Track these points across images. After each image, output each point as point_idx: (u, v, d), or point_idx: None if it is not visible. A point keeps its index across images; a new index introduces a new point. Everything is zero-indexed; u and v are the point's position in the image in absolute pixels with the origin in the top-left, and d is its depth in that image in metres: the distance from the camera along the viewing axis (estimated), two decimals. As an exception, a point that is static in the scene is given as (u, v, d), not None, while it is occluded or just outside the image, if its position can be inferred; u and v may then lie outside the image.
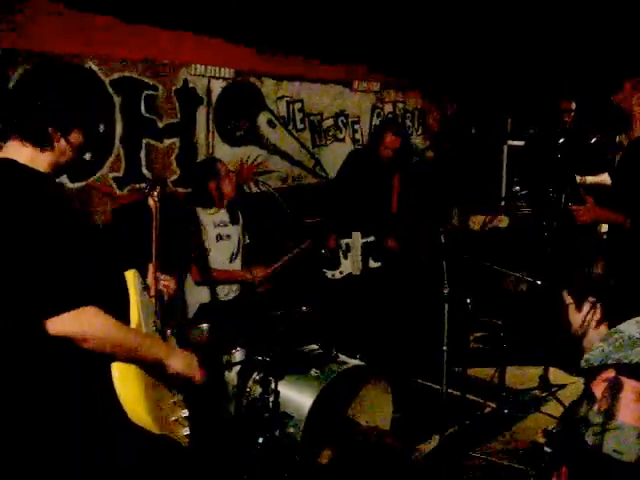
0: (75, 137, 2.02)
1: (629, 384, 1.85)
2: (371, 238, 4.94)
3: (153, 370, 2.05)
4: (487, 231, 4.56)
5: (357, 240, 4.93)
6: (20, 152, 1.96)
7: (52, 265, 1.80)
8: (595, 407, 1.86)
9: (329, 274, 4.99)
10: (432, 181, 6.08)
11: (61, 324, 1.78)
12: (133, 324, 2.03)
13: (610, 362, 1.90)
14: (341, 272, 5.00)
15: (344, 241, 4.99)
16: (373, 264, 5.01)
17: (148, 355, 2.00)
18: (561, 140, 4.37)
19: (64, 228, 1.87)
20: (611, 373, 1.89)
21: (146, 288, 2.23)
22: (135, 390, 1.95)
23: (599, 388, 1.89)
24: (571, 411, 2.01)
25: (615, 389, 1.85)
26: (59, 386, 1.89)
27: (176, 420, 2.13)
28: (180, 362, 2.11)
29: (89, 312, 1.82)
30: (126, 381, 1.93)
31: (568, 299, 2.28)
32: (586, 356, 1.98)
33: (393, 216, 5.15)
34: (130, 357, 1.94)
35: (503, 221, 4.35)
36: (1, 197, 1.85)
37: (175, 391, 2.20)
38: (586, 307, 2.20)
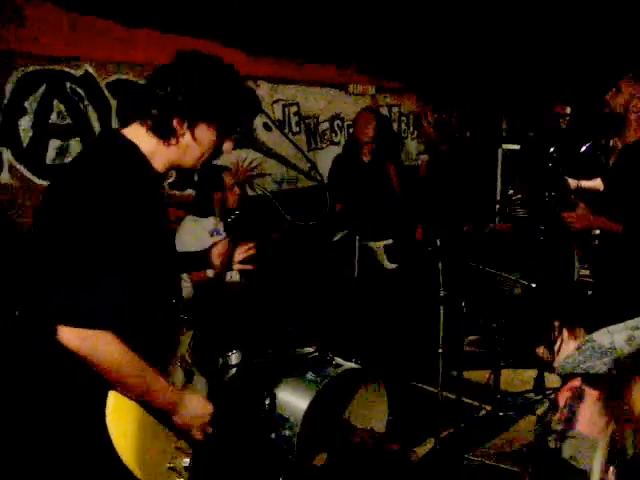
0: (203, 132, 1.82)
1: (591, 395, 1.86)
2: (389, 241, 4.91)
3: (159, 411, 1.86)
4: (484, 234, 4.58)
5: (355, 244, 4.93)
6: (144, 140, 1.81)
7: (85, 275, 1.63)
8: (556, 416, 1.90)
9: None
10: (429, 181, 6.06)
11: (72, 337, 1.63)
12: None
13: (578, 371, 1.89)
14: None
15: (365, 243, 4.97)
16: (389, 265, 4.97)
17: (154, 401, 1.80)
18: (552, 149, 4.37)
19: (120, 240, 1.67)
20: (577, 382, 1.91)
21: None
22: (127, 423, 1.77)
23: (563, 397, 1.92)
24: (545, 413, 2.03)
25: (577, 399, 1.88)
26: (51, 394, 1.75)
27: (172, 469, 1.90)
28: (184, 418, 1.87)
29: (103, 338, 1.65)
30: (120, 410, 1.76)
31: (563, 333, 2.14)
32: (561, 362, 1.97)
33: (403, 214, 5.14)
34: (135, 396, 1.77)
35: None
36: (83, 179, 1.70)
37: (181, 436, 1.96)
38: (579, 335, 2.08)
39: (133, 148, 1.80)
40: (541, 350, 2.17)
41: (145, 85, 1.87)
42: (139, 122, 1.82)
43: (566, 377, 1.97)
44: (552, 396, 2.02)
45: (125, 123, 1.88)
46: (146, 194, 1.77)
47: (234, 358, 3.43)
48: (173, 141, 1.81)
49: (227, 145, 1.91)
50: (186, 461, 1.94)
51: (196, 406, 1.89)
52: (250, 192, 4.90)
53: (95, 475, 1.77)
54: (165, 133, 1.79)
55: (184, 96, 1.77)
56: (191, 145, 1.83)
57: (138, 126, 1.82)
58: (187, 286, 3.97)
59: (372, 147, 4.98)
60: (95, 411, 1.72)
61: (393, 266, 4.94)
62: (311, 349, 3.54)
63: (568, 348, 2.07)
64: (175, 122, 1.78)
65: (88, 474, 1.77)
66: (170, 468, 1.89)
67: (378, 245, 4.93)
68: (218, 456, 2.41)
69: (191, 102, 1.78)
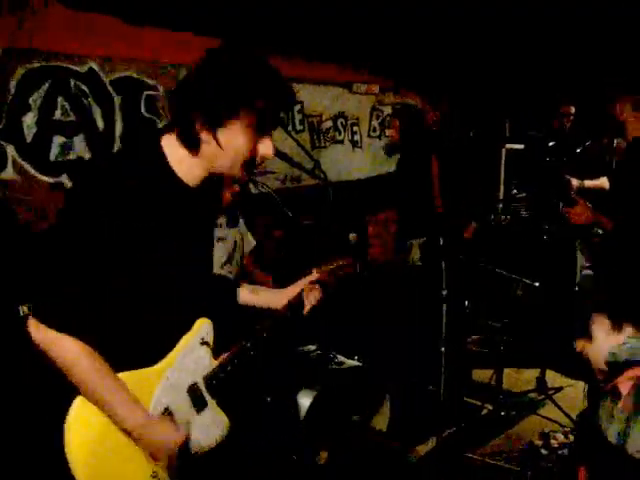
0: (226, 136, 1.63)
1: None
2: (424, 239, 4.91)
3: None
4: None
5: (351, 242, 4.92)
6: (173, 149, 1.69)
7: (65, 277, 1.58)
8: (620, 404, 1.82)
9: None
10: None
11: (34, 331, 1.59)
12: (152, 371, 1.75)
13: (637, 359, 1.87)
14: None
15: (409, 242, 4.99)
16: (417, 262, 4.95)
17: (115, 418, 1.65)
18: (551, 144, 4.39)
19: (115, 250, 1.59)
20: (638, 371, 1.86)
21: (206, 344, 1.88)
22: (92, 436, 1.63)
23: (625, 386, 1.85)
24: (591, 410, 1.96)
25: None
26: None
27: None
28: (148, 445, 1.70)
29: (66, 341, 1.59)
30: (87, 421, 1.63)
31: (603, 322, 2.04)
32: (612, 351, 1.92)
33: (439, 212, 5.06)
34: (95, 404, 1.63)
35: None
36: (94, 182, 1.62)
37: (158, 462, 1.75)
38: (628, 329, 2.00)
39: (157, 157, 1.69)
40: (581, 344, 2.09)
41: (174, 90, 1.72)
42: (171, 130, 1.71)
43: (616, 366, 1.91)
44: (607, 388, 1.92)
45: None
46: (159, 205, 1.65)
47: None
48: (199, 150, 1.66)
49: (265, 146, 1.71)
50: None
51: (163, 435, 1.70)
52: (253, 190, 4.90)
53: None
54: (189, 142, 1.66)
55: (201, 100, 1.61)
56: (218, 152, 1.65)
57: (171, 134, 1.70)
58: None
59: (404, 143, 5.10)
60: (54, 413, 1.64)
61: (419, 263, 4.91)
62: (314, 347, 3.55)
63: (609, 340, 2.01)
64: (198, 129, 1.63)
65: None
66: None
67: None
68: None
69: (207, 106, 1.61)
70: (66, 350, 1.59)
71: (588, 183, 4.22)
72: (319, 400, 3.12)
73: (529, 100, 6.63)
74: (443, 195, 5.01)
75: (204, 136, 1.64)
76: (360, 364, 3.51)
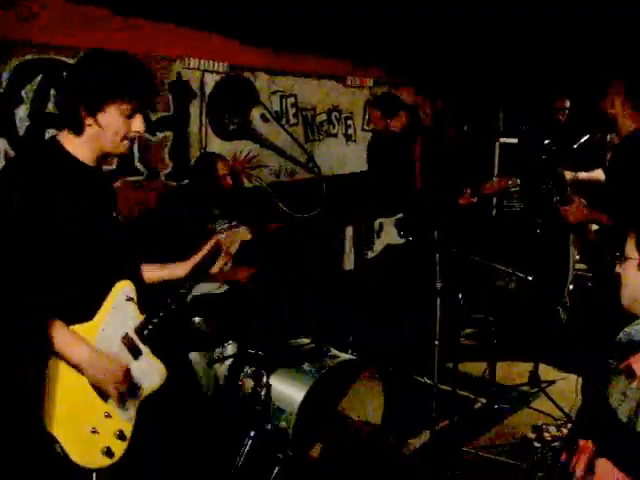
0: (105, 117, 2.01)
1: None
2: (399, 215, 4.85)
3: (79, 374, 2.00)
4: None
5: (349, 233, 4.92)
6: (66, 137, 2.05)
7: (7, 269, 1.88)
8: (634, 384, 1.80)
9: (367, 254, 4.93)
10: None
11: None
12: (88, 325, 2.03)
13: None
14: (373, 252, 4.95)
15: (379, 221, 4.93)
16: (398, 240, 4.90)
17: (64, 354, 1.95)
18: (547, 141, 4.39)
19: (36, 230, 1.90)
20: None
21: (131, 300, 2.16)
22: (55, 385, 1.95)
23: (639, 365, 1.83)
24: (600, 389, 1.94)
25: None
26: None
27: (94, 431, 2.00)
28: (94, 375, 1.99)
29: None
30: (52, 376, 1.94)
31: (633, 252, 1.97)
32: (627, 329, 1.91)
33: (417, 190, 5.07)
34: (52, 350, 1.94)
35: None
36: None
37: (112, 401, 2.05)
38: None
39: (56, 148, 2.04)
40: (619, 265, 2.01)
41: (60, 88, 2.18)
42: (62, 128, 2.07)
43: (630, 345, 1.89)
44: (620, 366, 1.89)
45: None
46: (64, 185, 1.98)
47: (230, 349, 3.43)
48: (84, 132, 2.02)
49: (136, 122, 2.06)
50: (117, 429, 2.03)
51: (106, 363, 2.01)
52: (247, 184, 4.89)
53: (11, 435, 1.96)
54: (75, 127, 2.02)
55: (83, 93, 1.98)
56: (99, 132, 2.01)
57: (63, 132, 2.06)
58: None
59: (392, 131, 4.99)
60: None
61: (402, 241, 4.86)
62: (307, 340, 3.55)
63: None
64: (81, 114, 1.99)
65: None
66: (92, 431, 1.99)
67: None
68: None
69: (89, 96, 1.98)
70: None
71: (582, 175, 4.22)
72: (312, 394, 3.12)
73: (523, 93, 6.62)
74: (424, 177, 5.01)
75: (88, 121, 2.00)
76: (354, 357, 3.51)
